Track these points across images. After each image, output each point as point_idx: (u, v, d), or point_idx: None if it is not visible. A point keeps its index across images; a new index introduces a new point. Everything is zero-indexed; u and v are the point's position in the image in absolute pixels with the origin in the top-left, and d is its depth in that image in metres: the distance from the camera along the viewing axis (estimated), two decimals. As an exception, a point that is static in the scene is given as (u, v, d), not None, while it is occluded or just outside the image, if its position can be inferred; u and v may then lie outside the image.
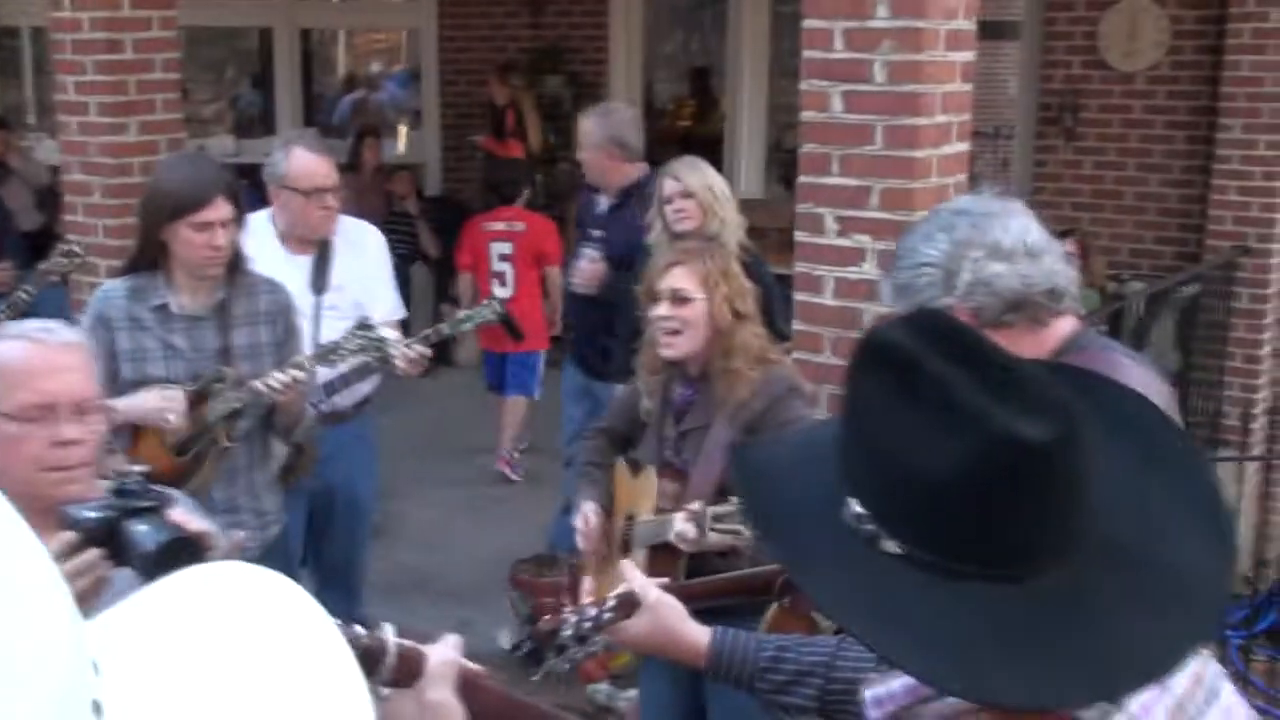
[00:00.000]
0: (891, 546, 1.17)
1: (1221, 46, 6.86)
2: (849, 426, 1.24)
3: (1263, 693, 6.03)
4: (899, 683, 1.27)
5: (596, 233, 5.18)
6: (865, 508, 1.19)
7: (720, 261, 3.20)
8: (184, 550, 1.86)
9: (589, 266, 5.10)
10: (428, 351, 3.93)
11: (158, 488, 1.98)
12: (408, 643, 1.51)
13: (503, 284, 6.74)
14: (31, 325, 2.21)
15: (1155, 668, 1.15)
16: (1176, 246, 7.34)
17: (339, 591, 4.42)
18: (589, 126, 5.07)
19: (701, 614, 2.06)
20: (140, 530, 1.88)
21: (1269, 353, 6.99)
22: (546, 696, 4.61)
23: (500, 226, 6.85)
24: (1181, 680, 1.22)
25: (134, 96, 5.12)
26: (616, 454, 3.45)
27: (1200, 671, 1.25)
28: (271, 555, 3.54)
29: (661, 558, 3.10)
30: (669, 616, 1.98)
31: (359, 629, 1.47)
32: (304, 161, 3.95)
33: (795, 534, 1.25)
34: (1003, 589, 1.14)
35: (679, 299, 3.12)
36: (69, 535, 1.87)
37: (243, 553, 3.45)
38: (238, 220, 3.30)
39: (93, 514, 1.90)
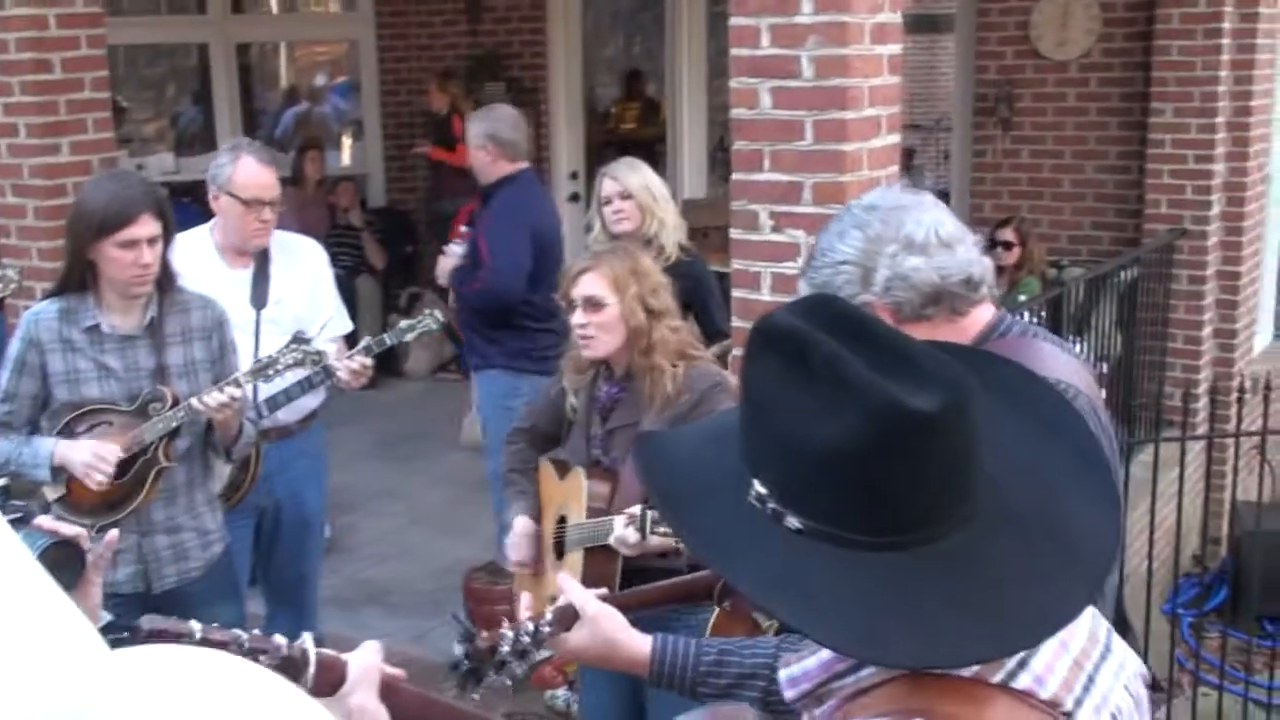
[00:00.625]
0: (793, 522, 1.21)
1: (1151, 32, 6.94)
2: (748, 409, 1.27)
3: (1216, 669, 6.10)
4: (814, 660, 1.30)
5: (465, 229, 5.40)
6: (766, 486, 1.23)
7: (630, 261, 3.21)
8: (65, 555, 1.85)
9: (441, 260, 5.33)
10: (369, 362, 3.92)
11: (16, 500, 1.97)
12: (328, 651, 1.52)
13: None
14: None
15: (1047, 624, 1.20)
16: (1114, 231, 7.42)
17: (291, 609, 4.39)
18: (470, 128, 5.20)
19: (642, 621, 2.07)
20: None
21: (1209, 333, 7.08)
22: (502, 703, 4.62)
23: None
24: (1079, 639, 1.27)
25: (64, 116, 5.08)
26: (539, 455, 3.46)
27: (1095, 630, 1.32)
28: (215, 573, 3.53)
29: (597, 559, 3.11)
30: (609, 628, 1.99)
31: (279, 639, 1.48)
32: (249, 170, 3.93)
33: (703, 516, 1.28)
34: (898, 557, 1.19)
35: (592, 305, 3.15)
36: None
37: (187, 570, 3.44)
38: (166, 237, 3.27)
39: None
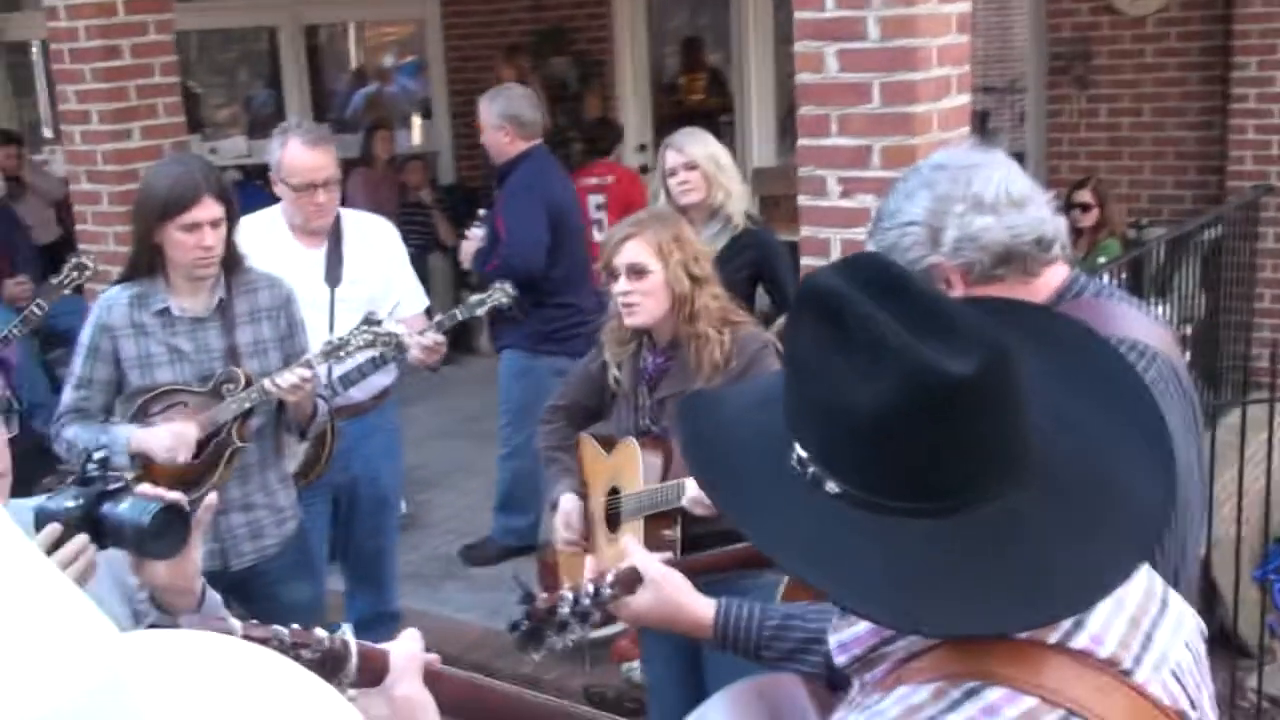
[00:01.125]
0: (832, 487, 1.19)
1: (1232, -16, 6.76)
2: (790, 371, 1.26)
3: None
4: (863, 625, 1.27)
5: (483, 212, 5.44)
6: (806, 450, 1.21)
7: (672, 228, 3.20)
8: (173, 519, 1.94)
9: (464, 244, 5.39)
10: (441, 338, 3.92)
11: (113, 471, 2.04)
12: (370, 644, 1.51)
13: (600, 230, 7.19)
14: None
15: (1095, 589, 1.17)
16: (1197, 190, 7.24)
17: (370, 585, 4.44)
18: (483, 109, 5.20)
19: (708, 587, 2.05)
20: (125, 507, 1.95)
21: (1298, 291, 6.89)
22: (580, 676, 4.62)
23: (594, 181, 7.34)
24: (1135, 595, 1.24)
25: (135, 102, 5.14)
26: (577, 432, 3.45)
27: (1151, 586, 1.28)
28: (291, 550, 3.56)
29: (657, 527, 3.12)
30: (673, 590, 1.99)
31: (320, 633, 1.47)
32: (295, 155, 3.94)
33: (741, 480, 1.27)
34: (937, 524, 1.16)
35: (635, 272, 3.13)
36: (55, 526, 1.93)
37: (263, 547, 3.48)
38: (229, 219, 3.29)
39: (70, 503, 1.96)
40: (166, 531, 1.93)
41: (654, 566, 2.00)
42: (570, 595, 2.00)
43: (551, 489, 3.39)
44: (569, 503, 3.32)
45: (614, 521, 3.29)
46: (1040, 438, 1.20)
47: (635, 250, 3.14)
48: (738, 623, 1.94)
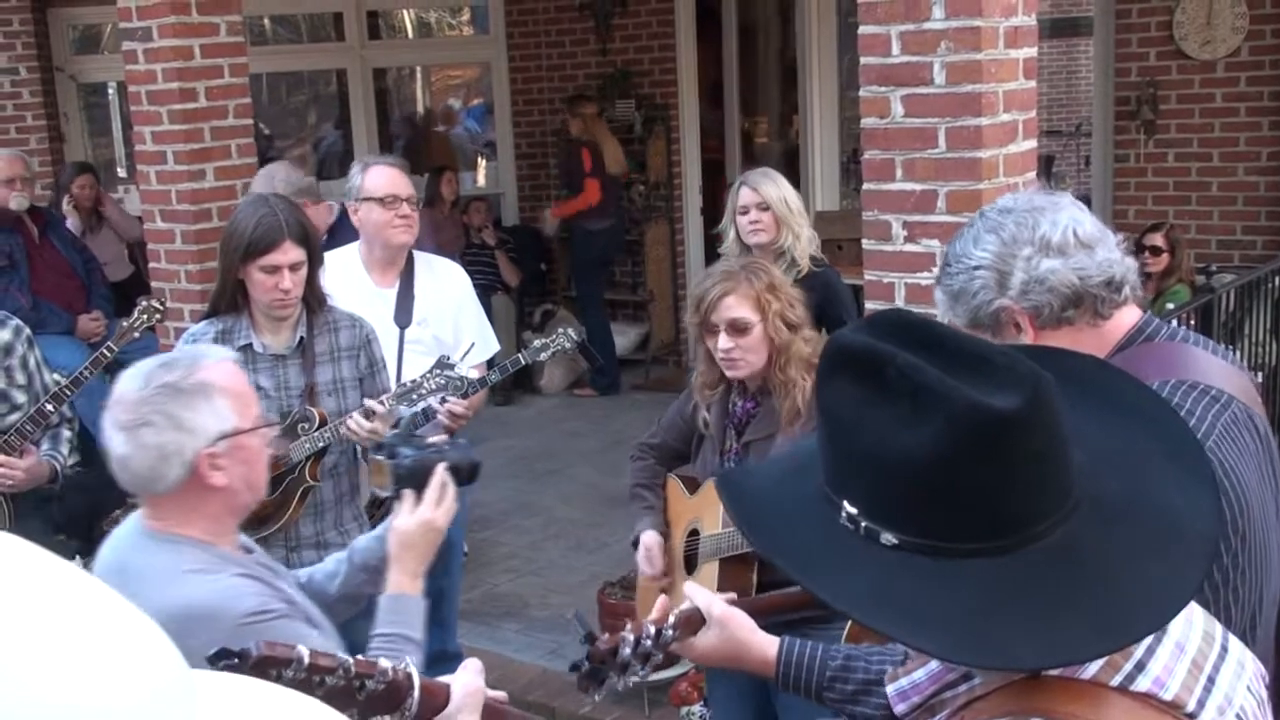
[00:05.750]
0: (889, 539, 1.20)
1: (1303, 28, 6.69)
2: (828, 431, 1.27)
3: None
4: (922, 672, 1.28)
5: None
6: (856, 506, 1.22)
7: (765, 277, 3.16)
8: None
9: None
10: (461, 406, 3.87)
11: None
12: (431, 677, 1.52)
13: None
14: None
15: (1163, 609, 1.18)
16: (1268, 235, 7.15)
17: (432, 624, 4.41)
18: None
19: (774, 626, 2.05)
20: (452, 451, 2.44)
21: (1373, 339, 6.76)
22: (638, 718, 4.61)
23: None
24: (1194, 640, 1.25)
25: (209, 143, 5.24)
26: (667, 470, 3.44)
27: (1210, 630, 1.29)
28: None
29: (733, 569, 3.10)
30: (738, 629, 2.00)
31: (385, 664, 1.48)
32: (379, 172, 4.04)
33: (798, 545, 1.28)
34: (1000, 560, 1.17)
35: (738, 329, 3.08)
36: (443, 468, 2.36)
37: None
38: (311, 262, 3.34)
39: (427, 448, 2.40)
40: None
41: (718, 606, 2.00)
42: (632, 637, 2.00)
43: (635, 525, 3.40)
44: (650, 539, 3.34)
45: (692, 562, 3.29)
46: (1084, 467, 1.22)
47: (735, 305, 3.08)
48: (800, 661, 1.94)
